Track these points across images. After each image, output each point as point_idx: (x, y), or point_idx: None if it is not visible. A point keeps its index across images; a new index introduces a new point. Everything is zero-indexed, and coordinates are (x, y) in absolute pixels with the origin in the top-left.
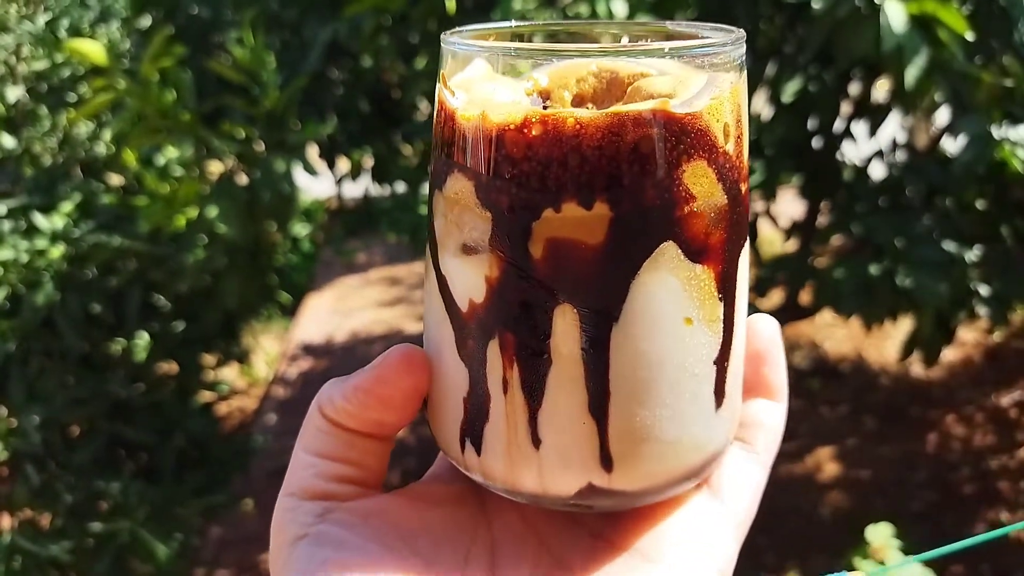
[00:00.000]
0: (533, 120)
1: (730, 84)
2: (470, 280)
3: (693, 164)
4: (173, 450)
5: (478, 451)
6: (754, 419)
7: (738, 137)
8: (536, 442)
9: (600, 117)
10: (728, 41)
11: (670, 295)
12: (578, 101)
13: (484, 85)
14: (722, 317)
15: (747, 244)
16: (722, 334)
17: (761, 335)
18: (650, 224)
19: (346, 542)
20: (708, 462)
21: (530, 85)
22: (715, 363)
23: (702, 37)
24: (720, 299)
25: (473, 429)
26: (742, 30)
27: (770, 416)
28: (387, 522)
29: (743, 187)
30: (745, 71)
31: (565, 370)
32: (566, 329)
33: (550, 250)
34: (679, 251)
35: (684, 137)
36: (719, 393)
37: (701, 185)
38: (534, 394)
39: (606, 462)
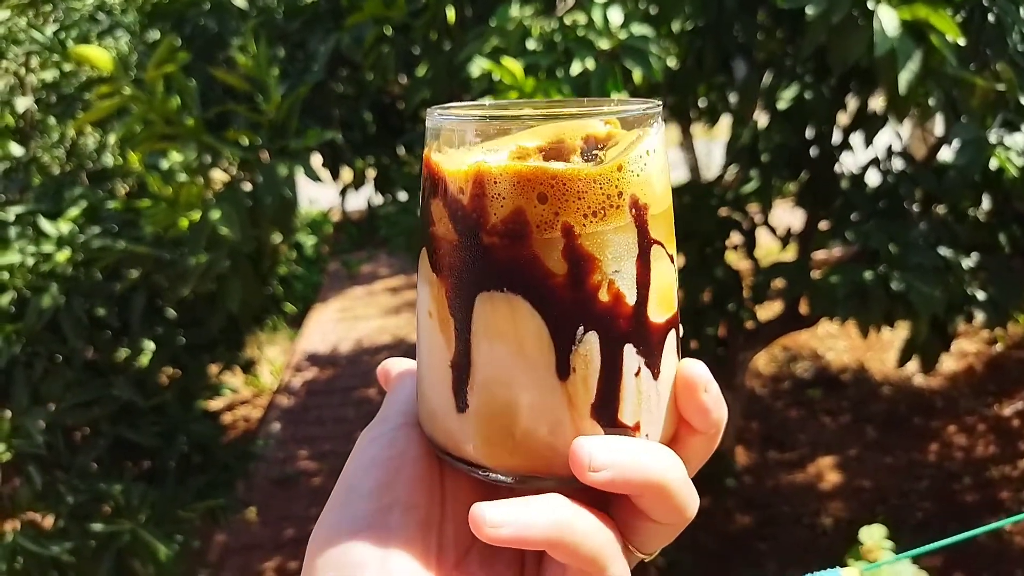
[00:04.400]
0: None
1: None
2: None
3: (435, 201)
4: (176, 454)
5: None
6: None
7: (476, 196)
8: None
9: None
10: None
11: (424, 286)
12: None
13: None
14: (454, 330)
15: (515, 303)
16: (455, 344)
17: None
18: (419, 231)
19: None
20: (451, 454)
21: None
22: (451, 367)
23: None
24: (450, 312)
25: None
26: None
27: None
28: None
29: (484, 238)
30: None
31: None
32: None
33: None
34: (427, 258)
35: (429, 179)
36: (459, 398)
37: (438, 217)
38: None
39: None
